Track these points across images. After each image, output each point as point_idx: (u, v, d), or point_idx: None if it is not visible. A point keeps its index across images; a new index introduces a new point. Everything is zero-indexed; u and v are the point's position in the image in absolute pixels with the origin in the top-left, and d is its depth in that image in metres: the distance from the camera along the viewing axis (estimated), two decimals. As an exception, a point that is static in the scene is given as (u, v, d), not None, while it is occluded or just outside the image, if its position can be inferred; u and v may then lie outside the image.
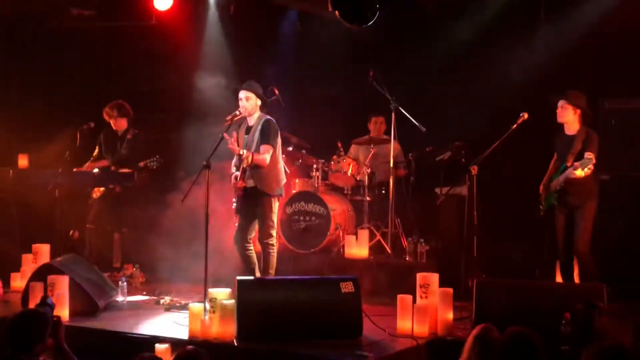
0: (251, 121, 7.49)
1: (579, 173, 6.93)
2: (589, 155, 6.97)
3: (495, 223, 8.53)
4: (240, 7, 10.13)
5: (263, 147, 7.31)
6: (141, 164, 8.82)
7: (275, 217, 7.56)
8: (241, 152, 7.22)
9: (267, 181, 7.42)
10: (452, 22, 9.49)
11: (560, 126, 7.45)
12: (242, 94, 7.42)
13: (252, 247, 7.57)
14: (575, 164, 7.02)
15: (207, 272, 6.66)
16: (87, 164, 9.14)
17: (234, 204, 7.49)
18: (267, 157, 7.30)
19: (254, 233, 7.57)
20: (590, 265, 7.30)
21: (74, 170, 8.96)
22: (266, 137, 7.34)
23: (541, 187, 7.55)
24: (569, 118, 7.34)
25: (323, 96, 10.13)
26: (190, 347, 4.39)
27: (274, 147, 7.38)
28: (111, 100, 9.27)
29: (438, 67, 9.64)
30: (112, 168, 9.05)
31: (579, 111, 7.30)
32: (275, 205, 7.53)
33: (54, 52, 10.52)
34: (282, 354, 5.87)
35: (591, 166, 6.94)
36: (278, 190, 7.52)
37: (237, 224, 7.60)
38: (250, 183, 7.40)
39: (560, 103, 7.34)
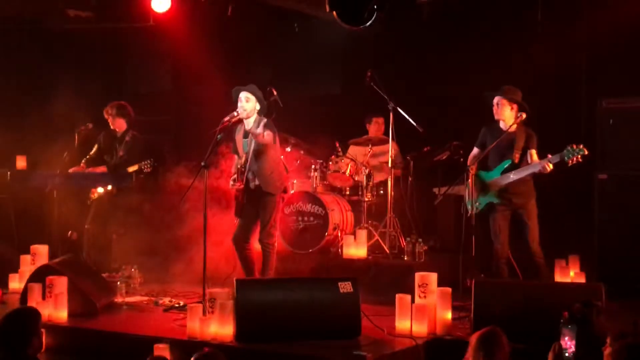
0: (248, 125, 7.52)
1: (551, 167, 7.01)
2: (575, 146, 6.91)
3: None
4: (237, 8, 10.13)
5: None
6: (135, 167, 8.82)
7: (277, 217, 7.60)
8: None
9: (271, 180, 7.49)
10: (450, 23, 9.50)
11: (494, 121, 7.46)
12: (243, 95, 7.45)
13: (251, 247, 7.60)
14: (552, 157, 6.99)
15: (206, 272, 6.68)
16: (83, 162, 9.13)
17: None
18: (267, 137, 7.31)
19: (253, 233, 7.59)
20: (545, 265, 7.34)
21: (71, 170, 8.95)
22: (267, 127, 7.38)
23: (465, 187, 7.39)
24: (506, 114, 7.33)
25: (321, 97, 10.13)
26: (207, 348, 4.40)
27: (274, 137, 7.42)
28: (108, 101, 9.28)
29: (435, 67, 9.65)
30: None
31: (515, 106, 7.29)
32: (279, 203, 7.58)
33: (52, 54, 10.52)
34: (280, 354, 5.86)
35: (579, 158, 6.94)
36: (282, 188, 7.58)
37: (237, 224, 7.63)
38: (254, 183, 7.44)
39: (496, 100, 7.34)
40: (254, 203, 7.54)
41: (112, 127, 9.15)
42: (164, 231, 8.71)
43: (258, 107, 7.52)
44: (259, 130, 7.28)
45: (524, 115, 7.40)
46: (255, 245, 7.63)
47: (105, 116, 9.14)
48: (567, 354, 4.37)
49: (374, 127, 9.60)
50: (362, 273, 7.91)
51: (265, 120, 7.47)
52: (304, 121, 9.58)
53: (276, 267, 7.63)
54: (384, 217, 8.85)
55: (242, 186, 7.47)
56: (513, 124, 7.29)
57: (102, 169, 9.11)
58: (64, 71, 10.60)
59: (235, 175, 7.55)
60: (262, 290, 6.29)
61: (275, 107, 8.53)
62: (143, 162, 8.80)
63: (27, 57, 10.52)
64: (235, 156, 7.71)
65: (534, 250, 7.32)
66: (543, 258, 7.36)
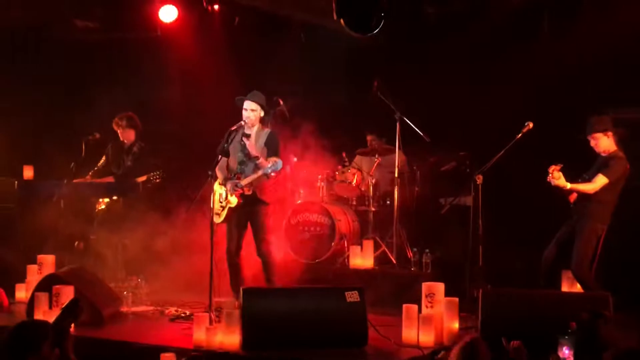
0: (248, 129, 7.51)
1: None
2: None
3: (501, 232, 8.51)
4: (244, 18, 10.16)
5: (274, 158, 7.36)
6: (143, 178, 8.83)
7: (270, 223, 7.61)
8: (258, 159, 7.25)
9: (266, 189, 7.47)
10: (456, 32, 9.50)
11: None
12: (247, 104, 7.47)
13: (241, 256, 7.62)
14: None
15: (212, 282, 6.69)
16: (90, 174, 9.15)
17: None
18: (272, 166, 7.33)
19: (244, 241, 7.60)
20: (589, 288, 7.14)
21: (77, 181, 8.97)
22: (274, 149, 7.40)
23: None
24: (605, 144, 7.24)
25: (327, 106, 10.13)
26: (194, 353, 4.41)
27: (278, 150, 7.49)
28: (115, 111, 9.31)
29: (442, 77, 9.64)
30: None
31: (609, 133, 7.21)
32: (272, 211, 7.59)
33: (59, 63, 10.53)
34: (287, 363, 5.88)
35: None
36: (276, 197, 7.61)
37: (229, 234, 7.59)
38: (249, 190, 7.41)
39: (589, 137, 7.24)
40: (246, 210, 7.50)
41: (121, 138, 9.20)
42: (170, 241, 8.70)
43: (262, 114, 7.54)
44: (263, 166, 7.32)
45: (531, 125, 7.37)
46: (248, 254, 7.62)
47: (115, 127, 9.18)
48: None
49: (370, 144, 9.57)
50: (369, 283, 7.89)
51: (267, 134, 7.45)
52: (310, 131, 9.58)
53: (282, 276, 7.62)
54: (390, 227, 8.84)
55: (241, 191, 7.40)
56: None
57: (109, 179, 9.14)
58: (71, 81, 10.61)
59: (237, 181, 7.43)
60: (269, 299, 6.30)
61: (282, 118, 8.54)
62: (152, 174, 8.83)
63: (34, 67, 10.53)
64: (222, 157, 7.51)
65: (573, 271, 7.22)
66: (586, 280, 7.16)
